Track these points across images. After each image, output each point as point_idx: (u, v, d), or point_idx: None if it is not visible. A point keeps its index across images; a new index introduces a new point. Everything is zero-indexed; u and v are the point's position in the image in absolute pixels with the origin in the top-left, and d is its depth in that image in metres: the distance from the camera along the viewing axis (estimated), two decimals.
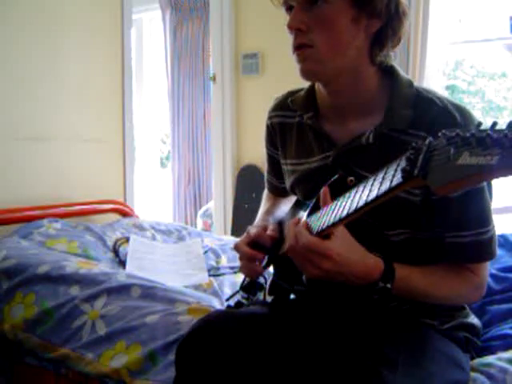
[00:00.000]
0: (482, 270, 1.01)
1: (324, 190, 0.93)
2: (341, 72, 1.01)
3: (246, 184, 3.35)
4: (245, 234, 1.13)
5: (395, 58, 1.05)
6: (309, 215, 0.98)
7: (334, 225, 0.86)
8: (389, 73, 1.05)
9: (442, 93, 1.05)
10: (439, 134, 0.65)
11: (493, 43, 3.56)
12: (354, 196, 0.81)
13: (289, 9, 1.02)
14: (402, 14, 1.00)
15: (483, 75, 5.36)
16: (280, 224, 1.18)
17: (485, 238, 0.97)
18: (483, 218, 0.98)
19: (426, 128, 0.97)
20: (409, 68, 2.65)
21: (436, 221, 0.99)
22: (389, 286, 0.92)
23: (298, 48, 1.00)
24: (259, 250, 1.10)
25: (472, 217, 0.97)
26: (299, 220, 0.97)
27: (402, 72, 1.06)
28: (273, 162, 1.28)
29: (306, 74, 1.02)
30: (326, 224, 0.87)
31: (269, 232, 1.11)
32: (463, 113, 0.97)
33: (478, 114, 5.27)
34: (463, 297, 1.04)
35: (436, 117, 0.97)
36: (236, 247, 1.13)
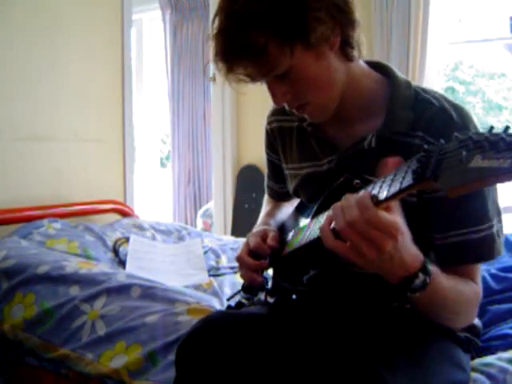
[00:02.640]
0: (478, 278, 0.99)
1: (385, 161, 0.78)
2: (340, 94, 1.02)
3: (246, 184, 3.35)
4: (244, 244, 1.13)
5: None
6: (313, 218, 0.98)
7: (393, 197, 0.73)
8: (385, 74, 1.05)
9: (442, 93, 1.05)
10: (453, 137, 0.64)
11: (493, 43, 3.57)
12: None
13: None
14: (345, 7, 0.95)
15: (483, 75, 5.36)
16: (280, 228, 1.18)
17: (480, 236, 0.95)
18: (477, 216, 0.95)
19: (423, 128, 0.96)
20: (409, 68, 2.65)
21: (430, 221, 0.98)
22: (428, 280, 0.83)
23: (297, 109, 1.02)
24: (260, 257, 1.10)
25: (466, 215, 0.95)
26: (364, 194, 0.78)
27: (398, 72, 1.05)
28: (273, 166, 1.28)
29: (316, 121, 1.07)
30: (385, 195, 0.74)
31: (269, 241, 1.10)
32: (460, 112, 0.96)
33: (478, 113, 5.27)
34: (472, 307, 0.99)
35: (433, 116, 0.96)
36: (238, 259, 1.12)
